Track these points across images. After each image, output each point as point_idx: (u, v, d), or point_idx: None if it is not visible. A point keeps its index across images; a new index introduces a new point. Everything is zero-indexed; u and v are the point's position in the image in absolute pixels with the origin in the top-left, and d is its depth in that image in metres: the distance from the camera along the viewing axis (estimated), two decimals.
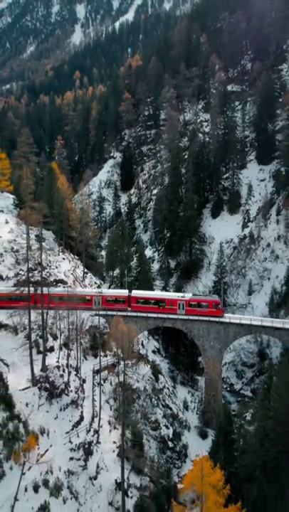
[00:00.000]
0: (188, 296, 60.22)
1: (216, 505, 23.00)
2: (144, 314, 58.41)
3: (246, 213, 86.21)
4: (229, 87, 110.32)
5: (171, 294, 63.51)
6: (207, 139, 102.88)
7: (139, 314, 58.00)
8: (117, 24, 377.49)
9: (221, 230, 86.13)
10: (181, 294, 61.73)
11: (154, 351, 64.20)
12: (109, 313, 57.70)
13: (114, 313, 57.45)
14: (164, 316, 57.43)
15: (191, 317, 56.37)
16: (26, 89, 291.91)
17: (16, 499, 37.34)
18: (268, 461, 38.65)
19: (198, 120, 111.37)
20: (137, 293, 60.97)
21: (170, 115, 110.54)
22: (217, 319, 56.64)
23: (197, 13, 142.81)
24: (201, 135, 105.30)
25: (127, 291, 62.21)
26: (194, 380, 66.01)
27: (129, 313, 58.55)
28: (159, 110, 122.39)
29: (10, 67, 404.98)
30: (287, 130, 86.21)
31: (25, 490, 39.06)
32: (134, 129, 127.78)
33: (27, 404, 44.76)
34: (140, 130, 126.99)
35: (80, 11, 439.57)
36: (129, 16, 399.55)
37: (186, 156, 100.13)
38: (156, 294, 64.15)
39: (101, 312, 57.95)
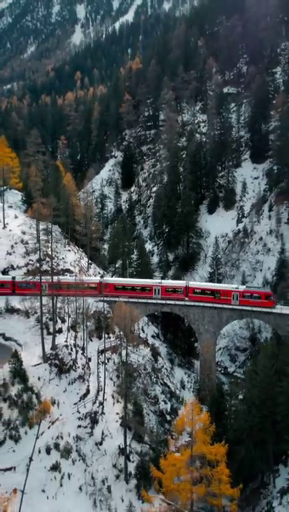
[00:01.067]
0: (242, 287, 63.80)
1: (204, 443, 27.86)
2: (172, 302, 63.12)
3: (240, 209, 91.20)
4: (225, 89, 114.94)
5: (226, 286, 67.35)
6: (204, 139, 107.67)
7: (140, 300, 62.64)
8: (117, 25, 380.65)
9: (217, 225, 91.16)
10: (235, 286, 65.71)
11: (153, 336, 69.25)
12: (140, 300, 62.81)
13: (172, 302, 62.35)
14: (162, 302, 62.49)
15: (187, 303, 61.48)
16: (28, 89, 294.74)
17: (30, 459, 42.24)
18: (253, 426, 43.66)
19: (196, 121, 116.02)
20: (194, 284, 64.96)
21: (169, 116, 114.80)
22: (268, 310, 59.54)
23: (196, 16, 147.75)
24: (198, 135, 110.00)
25: (185, 282, 66.64)
26: (191, 363, 71.04)
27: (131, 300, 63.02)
28: (158, 111, 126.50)
29: (11, 67, 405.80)
30: (280, 130, 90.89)
31: (39, 452, 44.09)
32: (135, 129, 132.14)
33: (39, 378, 49.84)
34: (140, 130, 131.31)
35: (80, 11, 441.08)
36: (129, 16, 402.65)
37: (184, 155, 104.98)
38: (212, 285, 67.51)
39: (106, 298, 62.52)
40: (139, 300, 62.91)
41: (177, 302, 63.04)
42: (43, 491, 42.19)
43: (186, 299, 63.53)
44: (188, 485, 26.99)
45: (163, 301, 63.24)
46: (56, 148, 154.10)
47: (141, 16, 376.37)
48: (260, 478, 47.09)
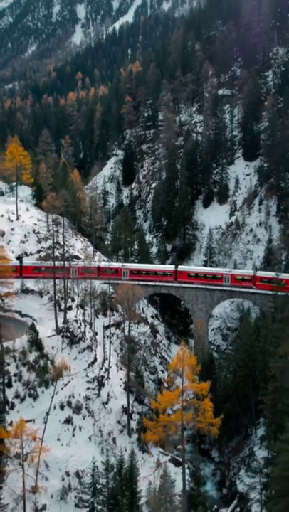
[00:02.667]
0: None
1: (192, 380, 35.06)
2: (144, 283, 70.21)
3: (233, 203, 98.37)
4: (220, 92, 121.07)
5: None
6: (200, 138, 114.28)
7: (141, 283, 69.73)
8: (117, 25, 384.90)
9: (211, 217, 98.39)
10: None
11: (152, 316, 76.63)
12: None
13: (237, 289, 68.50)
14: (161, 284, 69.89)
15: (182, 284, 68.90)
16: (30, 89, 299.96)
17: (47, 414, 49.49)
18: (238, 384, 51.07)
19: (193, 121, 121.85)
20: (262, 273, 70.07)
21: (167, 117, 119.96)
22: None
23: (193, 21, 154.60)
24: (194, 135, 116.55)
25: (252, 271, 72.46)
26: (186, 341, 78.27)
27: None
28: (157, 112, 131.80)
29: (12, 67, 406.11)
30: (270, 131, 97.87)
31: (54, 408, 51.53)
32: (135, 129, 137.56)
33: (53, 348, 57.29)
34: (140, 130, 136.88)
35: (81, 11, 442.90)
36: (129, 16, 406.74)
37: (181, 154, 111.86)
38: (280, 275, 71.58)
39: (111, 281, 69.60)
40: (215, 287, 69.19)
41: (166, 284, 69.96)
42: (58, 439, 49.71)
43: (254, 287, 68.18)
44: (179, 413, 34.17)
45: (229, 288, 69.22)
46: (60, 147, 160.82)
47: (140, 17, 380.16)
48: (244, 431, 54.57)
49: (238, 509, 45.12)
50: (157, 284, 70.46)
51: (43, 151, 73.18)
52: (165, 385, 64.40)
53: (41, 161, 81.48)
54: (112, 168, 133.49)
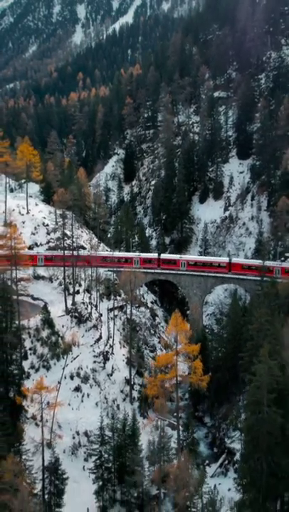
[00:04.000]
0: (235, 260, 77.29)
1: (184, 343, 41.80)
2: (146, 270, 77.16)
3: (227, 199, 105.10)
4: (216, 94, 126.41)
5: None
6: (197, 138, 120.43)
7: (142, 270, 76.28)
8: (117, 25, 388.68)
9: (207, 212, 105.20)
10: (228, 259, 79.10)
11: (152, 302, 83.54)
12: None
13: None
14: (159, 271, 76.83)
15: (179, 272, 75.84)
16: (32, 89, 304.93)
17: (59, 382, 56.39)
18: (227, 355, 57.96)
19: (190, 122, 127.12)
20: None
21: (166, 118, 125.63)
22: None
23: (191, 25, 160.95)
24: (191, 135, 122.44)
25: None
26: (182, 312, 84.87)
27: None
28: (156, 113, 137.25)
29: (13, 67, 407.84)
30: (261, 131, 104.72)
31: (65, 378, 58.37)
32: (135, 129, 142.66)
33: (62, 326, 64.18)
34: (140, 130, 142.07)
35: (81, 11, 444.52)
36: (129, 16, 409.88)
37: (179, 153, 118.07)
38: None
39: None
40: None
41: (164, 271, 76.68)
42: (69, 404, 56.55)
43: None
44: (174, 370, 40.95)
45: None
46: (63, 146, 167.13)
47: (140, 17, 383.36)
48: (233, 399, 61.43)
49: (226, 461, 52.01)
50: (211, 275, 76.56)
51: (52, 150, 79.77)
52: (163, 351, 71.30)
53: (48, 159, 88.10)
54: (113, 166, 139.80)
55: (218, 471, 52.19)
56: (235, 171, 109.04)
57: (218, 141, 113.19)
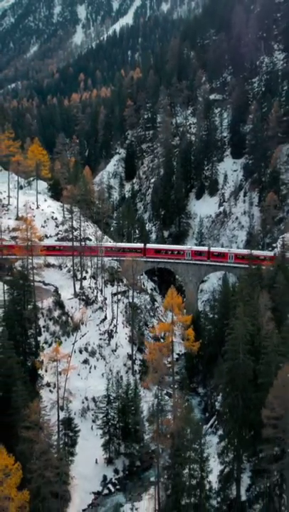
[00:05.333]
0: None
1: (179, 315, 49.34)
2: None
3: (222, 196, 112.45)
4: (212, 96, 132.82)
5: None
6: (193, 138, 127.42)
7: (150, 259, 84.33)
8: (117, 26, 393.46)
9: (203, 208, 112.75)
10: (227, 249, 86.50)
11: (151, 289, 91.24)
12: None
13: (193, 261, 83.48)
14: (158, 260, 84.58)
15: (176, 260, 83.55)
16: (34, 89, 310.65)
17: (69, 356, 64.00)
18: (217, 331, 65.59)
19: (187, 123, 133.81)
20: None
21: (165, 119, 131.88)
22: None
23: (189, 30, 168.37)
24: (188, 135, 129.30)
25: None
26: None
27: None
28: (156, 115, 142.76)
29: (14, 67, 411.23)
30: (253, 132, 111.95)
31: (75, 352, 65.99)
32: (136, 129, 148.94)
33: (72, 307, 71.86)
34: (141, 131, 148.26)
35: (81, 12, 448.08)
36: (129, 17, 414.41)
37: (176, 152, 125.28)
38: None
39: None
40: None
41: (162, 260, 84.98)
42: (78, 374, 64.21)
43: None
44: (169, 337, 48.53)
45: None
46: (67, 146, 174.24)
47: (140, 18, 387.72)
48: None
49: (216, 422, 59.70)
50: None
51: (60, 150, 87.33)
52: (161, 341, 78.89)
53: (56, 159, 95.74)
54: (115, 165, 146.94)
55: (209, 430, 59.79)
56: (229, 169, 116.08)
57: (213, 142, 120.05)
